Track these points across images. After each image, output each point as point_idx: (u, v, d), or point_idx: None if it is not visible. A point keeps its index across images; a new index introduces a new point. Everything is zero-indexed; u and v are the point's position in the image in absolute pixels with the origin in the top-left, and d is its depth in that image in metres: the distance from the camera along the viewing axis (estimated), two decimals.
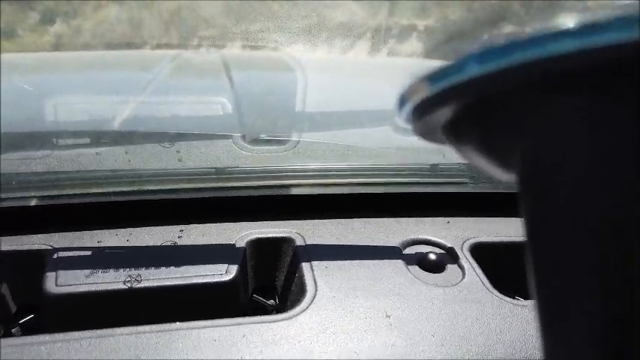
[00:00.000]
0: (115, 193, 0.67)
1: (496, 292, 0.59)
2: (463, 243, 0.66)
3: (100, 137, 0.79)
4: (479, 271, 0.62)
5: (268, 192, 0.71)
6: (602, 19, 0.13)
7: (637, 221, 0.15)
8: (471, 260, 0.63)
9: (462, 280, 0.60)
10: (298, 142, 0.82)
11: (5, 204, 0.63)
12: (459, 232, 0.69)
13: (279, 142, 0.81)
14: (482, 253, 0.66)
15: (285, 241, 0.65)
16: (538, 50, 0.14)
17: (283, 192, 0.72)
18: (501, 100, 0.17)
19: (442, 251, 0.66)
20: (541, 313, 0.18)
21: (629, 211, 0.15)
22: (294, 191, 0.72)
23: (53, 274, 0.55)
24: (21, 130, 0.76)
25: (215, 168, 0.71)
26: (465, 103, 0.18)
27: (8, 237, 0.61)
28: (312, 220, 0.69)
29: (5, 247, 0.59)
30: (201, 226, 0.66)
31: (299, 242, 0.64)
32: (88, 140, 0.77)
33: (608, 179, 0.15)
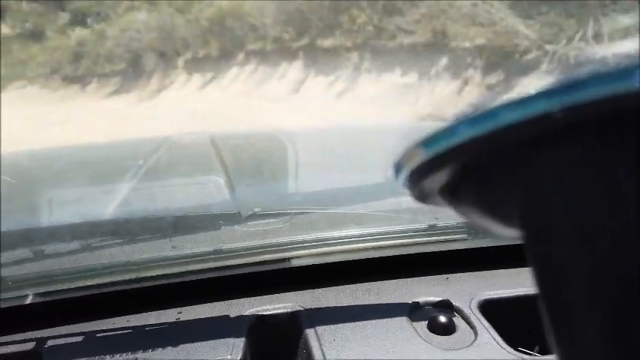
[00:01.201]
0: (110, 284, 0.66)
1: (511, 350, 0.57)
2: (471, 301, 0.65)
3: (94, 229, 0.78)
4: (490, 329, 0.60)
5: (268, 267, 0.70)
6: (581, 77, 0.14)
7: None
8: (481, 318, 0.62)
9: (474, 340, 0.58)
10: (294, 214, 0.82)
11: (3, 305, 0.62)
12: (464, 289, 0.67)
13: (274, 216, 0.81)
14: (491, 309, 0.64)
15: (288, 316, 0.64)
16: (524, 112, 0.15)
17: (283, 265, 0.71)
18: (495, 160, 0.18)
19: (450, 311, 0.64)
20: None
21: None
22: (294, 263, 0.71)
23: None
24: (16, 228, 0.75)
25: (213, 248, 0.71)
26: (461, 165, 0.19)
27: (9, 335, 0.59)
28: (314, 290, 0.68)
29: (6, 347, 0.57)
30: (200, 306, 0.65)
31: (303, 315, 0.63)
32: (82, 233, 0.77)
33: (611, 224, 0.15)
